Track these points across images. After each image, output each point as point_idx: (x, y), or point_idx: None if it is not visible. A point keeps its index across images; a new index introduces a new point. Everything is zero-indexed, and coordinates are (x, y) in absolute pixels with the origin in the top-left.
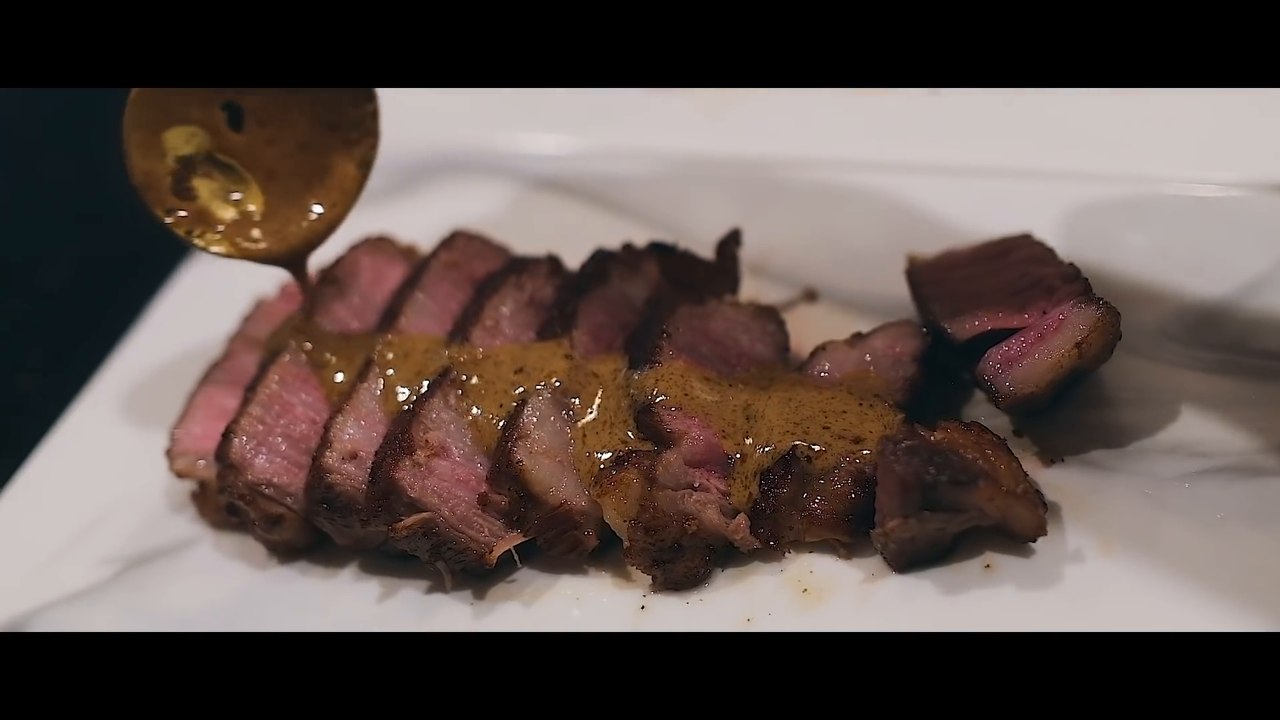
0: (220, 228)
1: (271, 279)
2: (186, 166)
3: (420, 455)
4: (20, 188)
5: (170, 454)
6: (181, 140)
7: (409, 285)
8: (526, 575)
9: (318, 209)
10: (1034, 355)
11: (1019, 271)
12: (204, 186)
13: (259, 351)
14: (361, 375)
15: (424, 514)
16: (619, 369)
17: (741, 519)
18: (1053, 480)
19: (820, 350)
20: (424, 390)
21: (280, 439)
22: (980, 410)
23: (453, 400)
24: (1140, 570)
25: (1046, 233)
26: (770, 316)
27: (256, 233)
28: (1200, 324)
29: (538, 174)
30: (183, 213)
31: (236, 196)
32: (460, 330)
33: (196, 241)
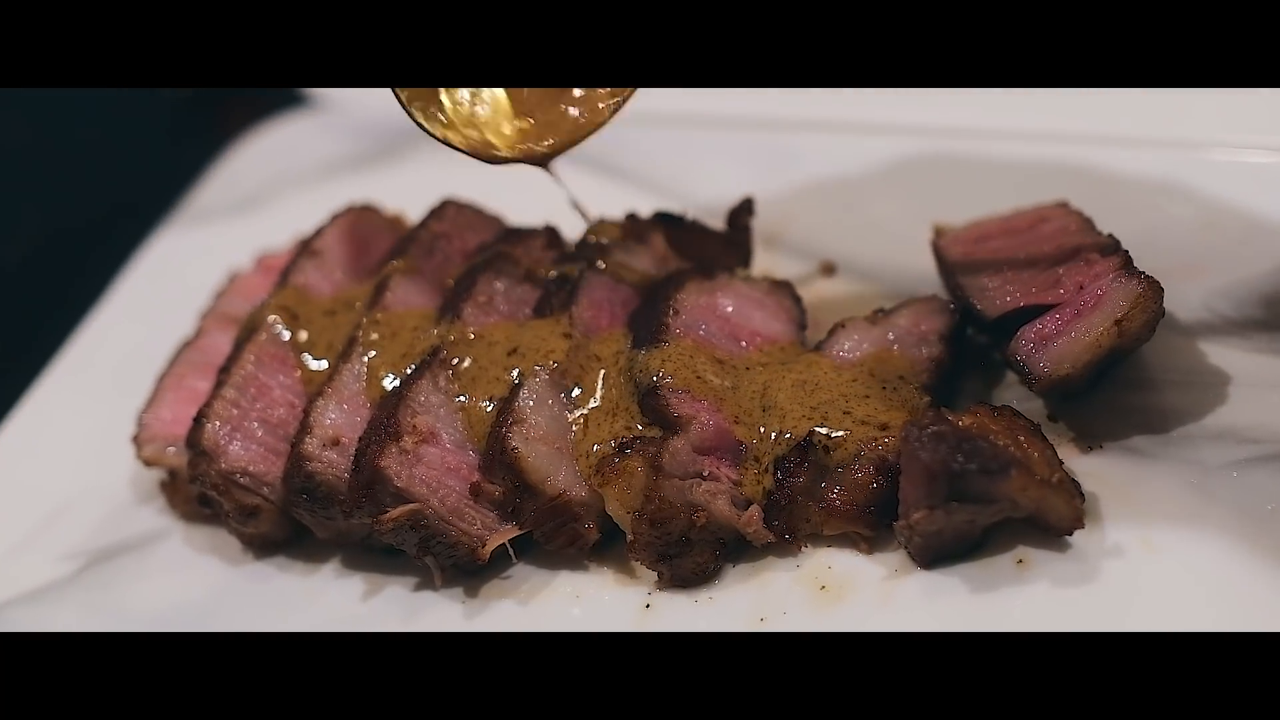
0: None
1: (246, 252)
2: None
3: (407, 442)
4: None
5: (137, 440)
6: None
7: (395, 258)
8: (522, 571)
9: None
10: (1070, 333)
11: (1054, 243)
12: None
13: (233, 329)
14: (344, 355)
15: (411, 505)
16: (622, 349)
17: (754, 510)
18: (1090, 469)
19: (839, 328)
20: (412, 372)
21: (256, 424)
22: (1012, 393)
23: (442, 382)
24: (1185, 566)
25: (1084, 201)
26: (785, 291)
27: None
28: (1250, 300)
29: None
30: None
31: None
32: (451, 307)
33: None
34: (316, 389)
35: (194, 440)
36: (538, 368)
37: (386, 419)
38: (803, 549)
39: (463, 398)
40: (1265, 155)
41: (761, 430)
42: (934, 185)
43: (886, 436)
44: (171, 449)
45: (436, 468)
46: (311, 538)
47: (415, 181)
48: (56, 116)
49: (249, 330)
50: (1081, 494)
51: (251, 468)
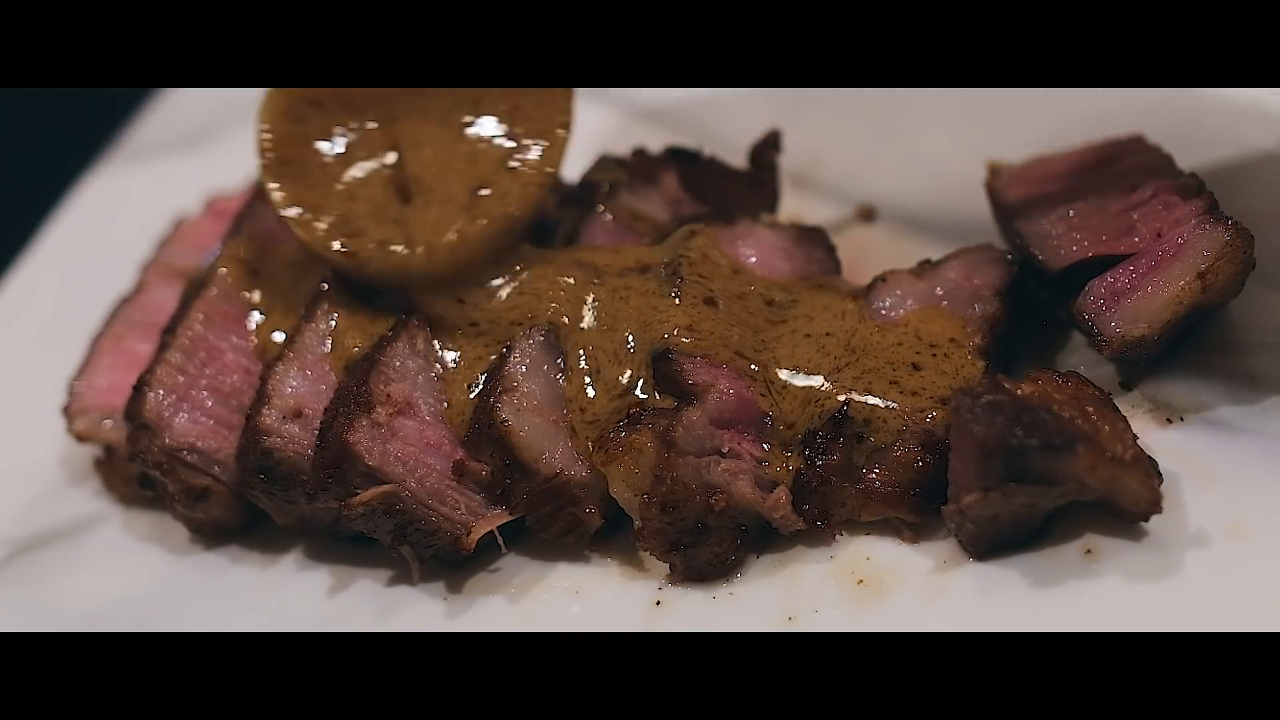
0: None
1: (194, 194)
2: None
3: (380, 413)
4: None
5: (69, 411)
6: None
7: None
8: (513, 563)
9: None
10: (1146, 288)
11: (1128, 184)
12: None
13: (180, 284)
14: (307, 314)
15: (385, 486)
16: None
17: (781, 492)
18: (1170, 444)
19: (880, 282)
20: (386, 334)
21: (206, 393)
22: (1080, 357)
23: (421, 345)
24: (1279, 556)
25: (1162, 136)
26: (817, 240)
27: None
28: None
29: None
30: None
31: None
32: None
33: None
34: (276, 353)
35: (134, 411)
36: (531, 328)
37: (356, 387)
38: (837, 537)
39: (445, 362)
40: None
41: (789, 399)
42: (988, 115)
43: (933, 408)
44: (108, 421)
45: (414, 443)
46: (270, 524)
47: None
48: None
49: (198, 284)
50: (1159, 473)
51: (200, 443)
